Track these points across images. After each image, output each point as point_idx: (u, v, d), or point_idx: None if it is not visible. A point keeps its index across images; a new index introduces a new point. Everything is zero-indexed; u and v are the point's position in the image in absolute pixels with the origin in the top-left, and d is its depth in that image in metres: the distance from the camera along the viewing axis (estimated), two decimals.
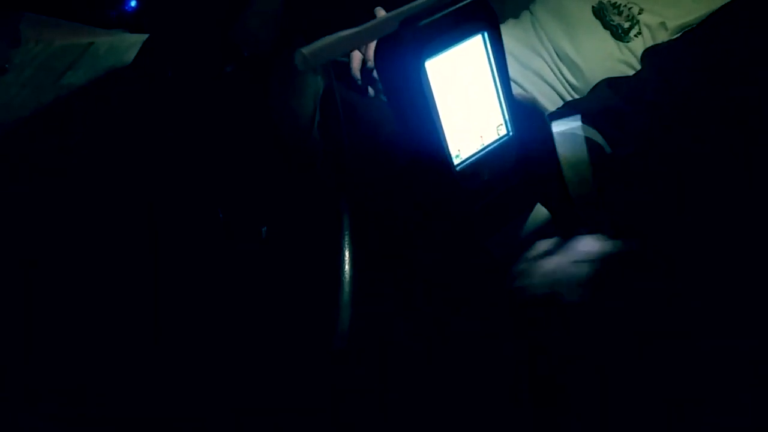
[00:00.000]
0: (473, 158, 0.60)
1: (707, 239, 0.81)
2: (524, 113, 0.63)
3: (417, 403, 0.86)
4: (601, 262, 0.69)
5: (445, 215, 0.70)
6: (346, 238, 0.88)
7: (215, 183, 0.80)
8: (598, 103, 0.92)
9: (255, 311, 0.83)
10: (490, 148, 0.61)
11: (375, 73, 1.11)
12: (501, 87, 0.59)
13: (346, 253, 0.87)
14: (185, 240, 0.80)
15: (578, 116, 0.82)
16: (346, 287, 0.85)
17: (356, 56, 1.14)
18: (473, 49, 0.56)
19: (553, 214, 0.75)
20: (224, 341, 0.81)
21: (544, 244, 0.77)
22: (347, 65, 1.15)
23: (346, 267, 0.86)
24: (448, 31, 0.54)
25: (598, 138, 0.86)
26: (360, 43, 0.57)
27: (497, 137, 0.61)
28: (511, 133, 0.62)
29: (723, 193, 0.83)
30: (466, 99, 0.57)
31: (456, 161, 0.59)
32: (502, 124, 0.61)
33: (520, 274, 0.74)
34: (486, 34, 0.56)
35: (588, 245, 0.71)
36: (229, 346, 0.81)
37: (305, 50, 0.51)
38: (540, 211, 0.74)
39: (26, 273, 0.75)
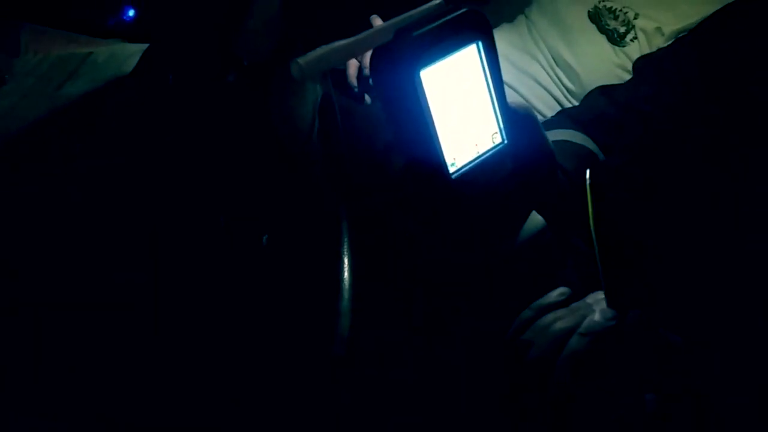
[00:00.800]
0: (469, 166, 0.61)
1: (705, 254, 0.81)
2: (519, 121, 0.63)
3: (417, 409, 0.86)
4: (600, 341, 0.69)
5: (441, 223, 0.70)
6: (346, 245, 0.89)
7: (217, 190, 0.81)
8: (592, 111, 0.92)
9: (255, 318, 0.83)
10: (485, 156, 0.62)
11: (371, 81, 1.12)
12: (496, 95, 0.60)
13: (346, 260, 0.88)
14: (187, 246, 0.80)
15: None
16: (346, 294, 0.86)
17: (353, 64, 1.15)
18: (468, 59, 0.57)
19: (548, 222, 0.75)
20: (224, 347, 0.81)
21: (553, 297, 0.76)
22: (344, 73, 1.15)
23: (346, 274, 0.87)
24: (443, 40, 0.54)
25: (591, 145, 0.87)
26: (355, 54, 0.57)
27: (492, 145, 0.62)
28: (506, 141, 0.63)
29: (717, 199, 0.83)
30: (461, 108, 0.58)
31: (451, 169, 0.59)
32: (497, 132, 0.62)
33: (524, 342, 0.74)
34: (480, 44, 0.57)
35: (595, 315, 0.70)
36: (229, 353, 0.82)
37: (301, 60, 0.52)
38: (535, 219, 0.75)
39: (24, 280, 0.75)
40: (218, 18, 0.80)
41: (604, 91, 0.97)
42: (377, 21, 1.13)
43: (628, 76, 1.05)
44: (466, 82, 0.57)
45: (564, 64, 1.13)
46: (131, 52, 0.83)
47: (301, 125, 0.87)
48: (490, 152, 0.62)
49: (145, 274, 0.79)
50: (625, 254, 0.81)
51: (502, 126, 0.62)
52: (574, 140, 0.88)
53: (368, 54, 1.11)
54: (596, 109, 0.94)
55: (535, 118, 0.66)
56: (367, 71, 1.12)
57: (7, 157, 0.77)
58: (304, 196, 0.87)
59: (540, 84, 1.16)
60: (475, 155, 0.61)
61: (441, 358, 0.88)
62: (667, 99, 0.89)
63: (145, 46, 0.83)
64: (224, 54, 0.79)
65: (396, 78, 0.53)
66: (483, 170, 0.62)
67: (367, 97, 1.14)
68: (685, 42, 0.96)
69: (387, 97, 0.56)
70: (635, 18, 1.06)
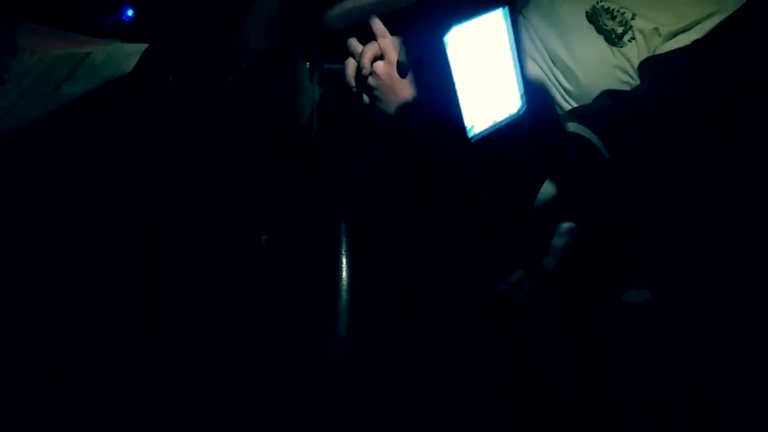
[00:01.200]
0: (487, 130, 0.61)
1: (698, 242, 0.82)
2: (535, 89, 0.64)
3: (417, 409, 0.86)
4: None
5: (456, 188, 0.71)
6: (343, 246, 0.88)
7: (216, 191, 0.81)
8: (599, 110, 0.92)
9: (254, 318, 0.83)
10: (504, 121, 0.62)
11: (369, 80, 1.11)
12: (517, 62, 0.60)
13: (344, 261, 0.88)
14: (186, 247, 0.80)
15: None
16: (344, 295, 0.86)
17: (350, 63, 1.14)
18: (493, 23, 0.57)
19: (560, 189, 0.76)
20: (223, 347, 0.81)
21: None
22: (342, 72, 1.15)
23: (344, 275, 0.87)
24: (470, 4, 0.55)
25: (596, 141, 0.87)
26: (382, 10, 0.58)
27: (511, 111, 0.63)
28: (523, 108, 0.63)
29: (716, 198, 0.84)
30: (484, 71, 0.59)
31: (471, 133, 0.60)
32: (516, 98, 0.62)
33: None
34: (505, 9, 0.57)
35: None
36: (227, 353, 0.81)
37: (331, 12, 0.52)
38: (549, 186, 0.76)
39: (24, 280, 0.75)
40: (217, 19, 0.80)
41: (611, 94, 0.98)
42: (376, 22, 1.13)
43: (626, 77, 1.05)
44: (490, 46, 0.58)
45: (562, 65, 1.13)
46: (129, 52, 0.83)
47: (300, 125, 0.87)
48: (509, 117, 0.63)
49: (144, 274, 0.79)
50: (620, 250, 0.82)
51: (521, 93, 0.62)
52: (580, 133, 0.88)
53: (366, 53, 1.11)
54: (603, 108, 0.94)
55: (549, 88, 0.67)
56: (365, 71, 1.11)
57: (6, 157, 0.77)
58: (303, 197, 0.87)
59: None
60: (495, 120, 0.62)
61: (441, 358, 0.88)
62: (671, 99, 0.89)
63: (143, 46, 0.83)
64: (223, 55, 0.79)
65: (423, 38, 0.54)
66: (501, 135, 0.63)
67: (365, 97, 1.13)
68: (691, 47, 0.96)
69: (414, 58, 0.57)
70: (633, 18, 1.06)
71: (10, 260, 0.76)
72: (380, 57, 1.14)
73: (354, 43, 1.17)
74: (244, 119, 0.80)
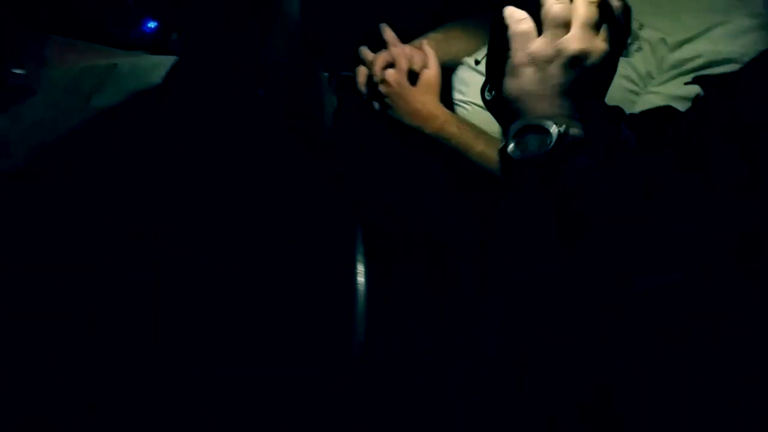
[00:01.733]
0: None
1: None
2: None
3: (431, 411, 0.88)
4: None
5: None
6: (360, 251, 0.90)
7: (240, 197, 0.82)
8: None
9: (272, 322, 0.84)
10: None
11: (380, 88, 1.13)
12: None
13: (360, 267, 0.89)
14: (206, 252, 0.81)
15: None
16: (361, 299, 0.87)
17: (362, 71, 1.16)
18: None
19: None
20: (241, 350, 0.82)
21: None
22: (354, 80, 1.17)
23: (360, 279, 0.88)
24: None
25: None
26: None
27: None
28: None
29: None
30: None
31: None
32: None
33: None
34: None
35: None
36: (245, 355, 0.82)
37: None
38: None
39: (34, 278, 0.75)
40: (244, 37, 0.81)
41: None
42: (387, 30, 1.15)
43: (632, 86, 1.06)
44: None
45: None
46: (155, 64, 0.83)
47: (320, 131, 0.88)
48: None
49: (168, 274, 0.79)
50: None
51: None
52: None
53: (377, 61, 1.13)
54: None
55: None
56: (376, 78, 1.13)
57: (36, 168, 0.77)
58: (322, 202, 0.88)
59: None
60: None
61: (456, 362, 0.90)
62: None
63: (169, 58, 0.84)
64: (253, 70, 0.80)
65: None
66: None
67: (375, 104, 1.15)
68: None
69: None
70: (640, 28, 1.07)
71: (37, 270, 0.76)
72: (391, 65, 1.16)
73: (365, 52, 1.18)
74: (270, 130, 0.81)
